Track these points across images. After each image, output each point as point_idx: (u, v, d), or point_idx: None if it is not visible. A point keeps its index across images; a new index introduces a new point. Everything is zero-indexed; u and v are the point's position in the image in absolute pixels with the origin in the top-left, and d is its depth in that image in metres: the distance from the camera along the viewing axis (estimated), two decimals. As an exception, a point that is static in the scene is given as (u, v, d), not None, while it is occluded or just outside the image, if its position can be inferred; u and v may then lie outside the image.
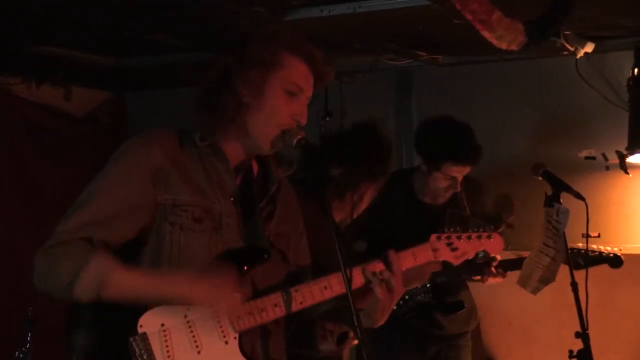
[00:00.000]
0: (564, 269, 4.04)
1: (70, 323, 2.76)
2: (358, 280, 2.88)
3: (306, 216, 3.11)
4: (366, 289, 2.91)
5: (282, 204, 2.98)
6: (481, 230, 3.13)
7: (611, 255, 4.66)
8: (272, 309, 2.77)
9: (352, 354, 3.56)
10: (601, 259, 4.63)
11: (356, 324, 2.64)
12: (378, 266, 2.91)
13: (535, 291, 4.18)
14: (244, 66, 2.77)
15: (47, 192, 6.52)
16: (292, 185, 3.10)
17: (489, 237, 3.13)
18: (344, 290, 2.70)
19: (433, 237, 3.06)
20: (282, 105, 2.79)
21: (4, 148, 6.32)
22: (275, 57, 2.79)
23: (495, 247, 3.16)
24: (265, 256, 2.81)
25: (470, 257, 3.12)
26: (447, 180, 4.61)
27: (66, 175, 6.61)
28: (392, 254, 2.93)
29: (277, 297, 2.78)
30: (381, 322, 2.98)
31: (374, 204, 3.76)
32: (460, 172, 4.59)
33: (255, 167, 2.95)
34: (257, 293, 2.79)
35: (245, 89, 2.77)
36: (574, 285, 3.95)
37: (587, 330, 3.89)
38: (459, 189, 4.65)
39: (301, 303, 2.80)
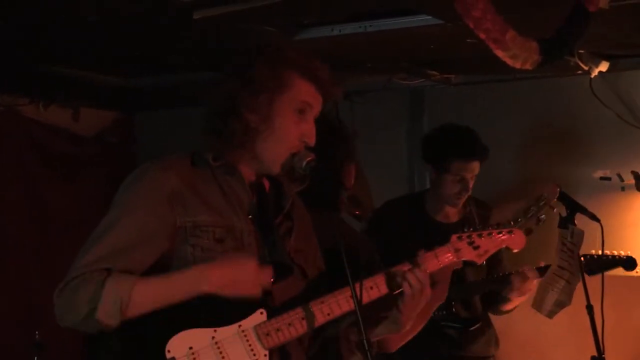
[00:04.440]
0: (579, 292, 3.98)
1: (92, 356, 2.73)
2: (382, 287, 2.87)
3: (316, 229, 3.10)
4: (392, 298, 2.89)
5: (297, 220, 2.98)
6: (501, 226, 3.09)
7: (624, 257, 4.59)
8: (300, 322, 2.75)
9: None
10: (614, 261, 4.55)
11: (364, 339, 2.62)
12: (406, 267, 2.91)
13: (551, 315, 4.13)
14: (250, 92, 2.76)
15: (55, 213, 6.52)
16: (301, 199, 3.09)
17: (510, 232, 3.08)
18: (370, 298, 2.77)
19: (454, 237, 3.03)
20: (292, 128, 2.79)
21: (12, 169, 6.31)
22: (282, 81, 2.78)
23: (517, 243, 3.10)
24: (289, 272, 2.81)
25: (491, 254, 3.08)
26: (457, 183, 4.61)
27: (75, 196, 6.61)
28: (421, 253, 2.93)
29: (302, 311, 2.77)
30: (407, 327, 3.00)
31: (388, 231, 3.65)
32: (469, 169, 4.61)
33: (266, 184, 2.95)
34: (279, 308, 2.77)
35: (252, 114, 2.76)
36: (590, 309, 3.90)
37: (604, 354, 3.85)
38: (469, 192, 4.66)
39: (329, 314, 2.79)
